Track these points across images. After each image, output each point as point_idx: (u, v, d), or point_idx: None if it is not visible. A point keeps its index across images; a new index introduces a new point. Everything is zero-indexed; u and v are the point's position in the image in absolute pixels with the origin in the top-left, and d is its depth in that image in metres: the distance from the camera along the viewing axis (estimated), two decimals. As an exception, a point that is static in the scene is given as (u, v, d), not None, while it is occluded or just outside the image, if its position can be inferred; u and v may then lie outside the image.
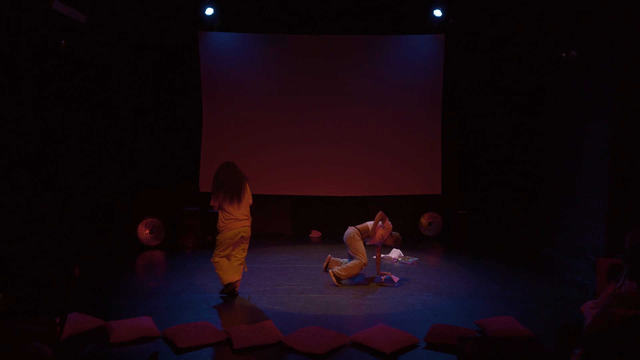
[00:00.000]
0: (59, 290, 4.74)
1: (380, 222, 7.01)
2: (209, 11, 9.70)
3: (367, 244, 7.12)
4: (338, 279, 6.80)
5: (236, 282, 6.21)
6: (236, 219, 6.15)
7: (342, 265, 7.02)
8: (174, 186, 9.86)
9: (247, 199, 6.29)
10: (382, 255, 8.54)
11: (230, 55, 10.19)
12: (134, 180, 9.67)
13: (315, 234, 10.35)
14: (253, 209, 10.51)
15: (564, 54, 7.58)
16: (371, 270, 7.36)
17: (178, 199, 9.52)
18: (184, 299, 6.20)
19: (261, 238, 9.76)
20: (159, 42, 9.87)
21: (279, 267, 7.77)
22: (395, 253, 8.47)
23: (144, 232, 9.03)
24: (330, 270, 6.90)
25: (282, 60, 10.19)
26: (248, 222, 6.26)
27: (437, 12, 9.66)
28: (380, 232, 7.03)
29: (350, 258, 7.07)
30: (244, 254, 6.33)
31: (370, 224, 7.08)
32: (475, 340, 4.46)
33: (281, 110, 10.20)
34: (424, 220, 10.27)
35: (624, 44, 6.76)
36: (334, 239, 9.88)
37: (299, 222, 10.49)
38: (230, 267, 6.20)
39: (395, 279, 7.00)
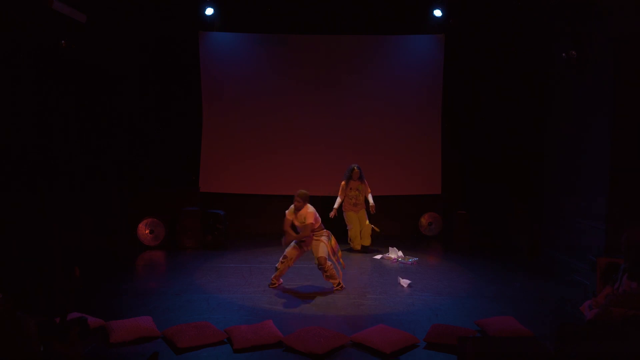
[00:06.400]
0: (59, 290, 4.75)
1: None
2: (209, 11, 9.70)
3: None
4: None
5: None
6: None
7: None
8: (174, 186, 9.86)
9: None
10: (381, 256, 8.54)
11: (230, 55, 10.18)
12: (134, 180, 9.66)
13: (315, 234, 10.32)
14: (255, 209, 10.42)
15: (564, 54, 7.58)
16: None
17: (178, 199, 9.51)
18: (184, 299, 6.19)
19: (261, 238, 9.76)
20: (159, 42, 9.87)
21: (279, 267, 7.75)
22: (395, 253, 8.46)
23: (144, 232, 9.03)
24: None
25: (282, 60, 10.19)
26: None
27: (437, 12, 9.65)
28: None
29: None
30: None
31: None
32: (476, 340, 4.46)
33: (281, 110, 10.18)
34: (424, 220, 10.26)
35: (624, 44, 6.77)
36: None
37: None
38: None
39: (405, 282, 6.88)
